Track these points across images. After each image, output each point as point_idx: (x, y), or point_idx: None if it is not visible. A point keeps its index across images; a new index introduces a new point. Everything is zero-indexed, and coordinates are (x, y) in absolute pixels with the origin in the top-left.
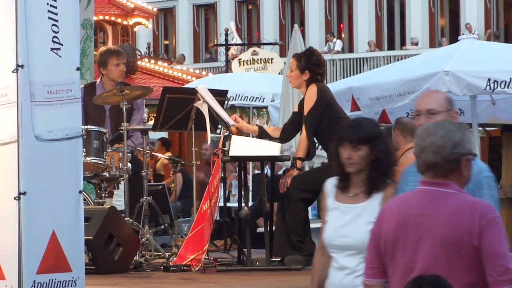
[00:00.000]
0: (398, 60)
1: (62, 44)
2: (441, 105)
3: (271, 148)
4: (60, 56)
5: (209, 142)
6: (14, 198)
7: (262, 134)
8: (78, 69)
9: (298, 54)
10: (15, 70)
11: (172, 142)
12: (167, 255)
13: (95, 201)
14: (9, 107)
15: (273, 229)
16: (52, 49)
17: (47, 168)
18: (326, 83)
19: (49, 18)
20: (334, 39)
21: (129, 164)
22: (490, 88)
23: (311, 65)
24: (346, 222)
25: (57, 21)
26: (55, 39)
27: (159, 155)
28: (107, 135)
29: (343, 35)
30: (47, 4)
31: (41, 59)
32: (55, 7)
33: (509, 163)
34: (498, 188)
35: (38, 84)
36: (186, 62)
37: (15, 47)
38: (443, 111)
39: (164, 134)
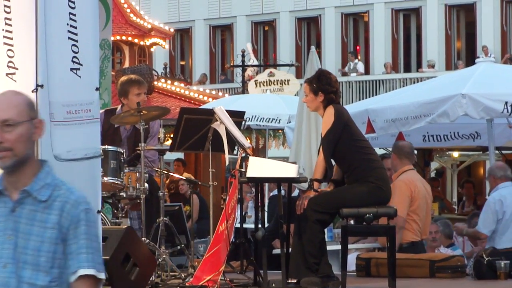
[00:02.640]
0: (414, 82)
1: (81, 64)
2: (21, 114)
3: (288, 170)
4: (80, 76)
5: (227, 163)
6: None
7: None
8: (97, 89)
9: (309, 79)
10: (35, 90)
11: (187, 163)
12: (183, 275)
13: (112, 221)
14: None
15: (290, 250)
16: (71, 69)
17: None
18: (342, 105)
19: (69, 38)
20: (356, 60)
21: (146, 185)
22: (508, 111)
23: (322, 86)
24: None
25: (77, 41)
26: (74, 59)
27: (176, 175)
28: (124, 155)
29: (359, 57)
30: (67, 24)
31: (61, 79)
32: (75, 27)
33: None
34: None
35: (57, 104)
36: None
37: (35, 66)
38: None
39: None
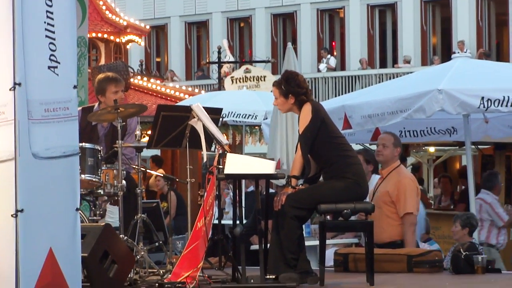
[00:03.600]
0: (390, 78)
1: (59, 63)
2: None
3: (266, 166)
4: (58, 74)
5: (204, 159)
6: (12, 215)
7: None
8: (75, 87)
9: (276, 82)
10: (13, 88)
11: (164, 160)
12: (161, 272)
13: (90, 218)
14: (6, 125)
15: (268, 246)
16: (49, 67)
17: (44, 185)
18: (318, 101)
19: (46, 36)
20: (328, 55)
21: (123, 182)
22: (484, 107)
23: (292, 89)
24: None
25: (54, 39)
26: (52, 57)
27: (154, 172)
28: (102, 153)
29: (335, 53)
30: (45, 22)
31: (38, 77)
32: (52, 26)
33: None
34: None
35: (35, 102)
36: (178, 79)
37: (13, 65)
38: None
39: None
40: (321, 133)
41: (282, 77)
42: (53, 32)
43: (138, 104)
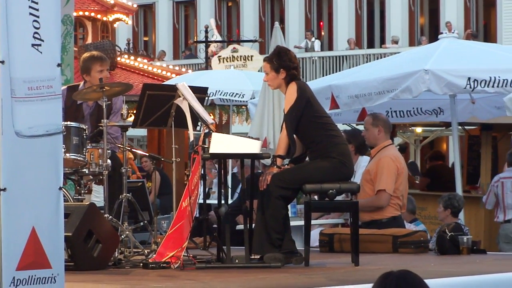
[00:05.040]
0: (377, 58)
1: (43, 40)
2: None
3: (251, 146)
4: (41, 52)
5: (191, 139)
6: None
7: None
8: (59, 65)
9: (268, 57)
10: None
11: (151, 139)
12: (146, 252)
13: (74, 197)
14: None
15: (253, 226)
16: (33, 45)
17: (27, 164)
18: (306, 81)
19: (30, 14)
20: (313, 39)
21: (108, 161)
22: (470, 87)
23: (284, 63)
24: None
25: (38, 17)
26: (36, 35)
27: (139, 151)
28: (87, 132)
29: (322, 33)
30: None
31: (22, 55)
32: (36, 3)
33: (488, 161)
34: (477, 187)
35: (19, 80)
36: (165, 58)
37: None
38: None
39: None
40: (307, 112)
41: (273, 52)
42: (37, 10)
43: (124, 83)
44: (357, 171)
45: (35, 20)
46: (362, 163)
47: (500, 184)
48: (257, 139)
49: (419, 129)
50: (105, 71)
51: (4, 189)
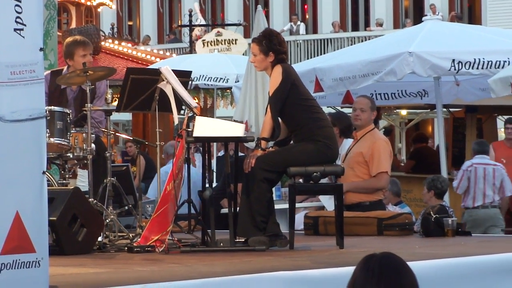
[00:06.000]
0: (362, 41)
1: (25, 25)
2: None
3: (235, 129)
4: (23, 37)
5: (176, 122)
6: None
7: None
8: (41, 49)
9: (257, 38)
10: None
11: (136, 124)
12: (131, 236)
13: (59, 182)
14: None
15: (237, 210)
16: (15, 29)
17: (10, 149)
18: (290, 64)
19: None
20: (299, 22)
21: (93, 145)
22: (455, 69)
23: (274, 46)
24: None
25: (20, 1)
26: (18, 20)
27: (124, 136)
28: (71, 116)
29: (307, 16)
30: None
31: (4, 39)
32: None
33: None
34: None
35: (1, 65)
36: (150, 43)
37: None
38: None
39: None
40: (291, 95)
41: (263, 33)
42: None
43: (107, 67)
44: (342, 154)
45: (17, 5)
46: (346, 145)
47: (473, 169)
48: (242, 122)
49: (404, 112)
50: (88, 56)
51: None
